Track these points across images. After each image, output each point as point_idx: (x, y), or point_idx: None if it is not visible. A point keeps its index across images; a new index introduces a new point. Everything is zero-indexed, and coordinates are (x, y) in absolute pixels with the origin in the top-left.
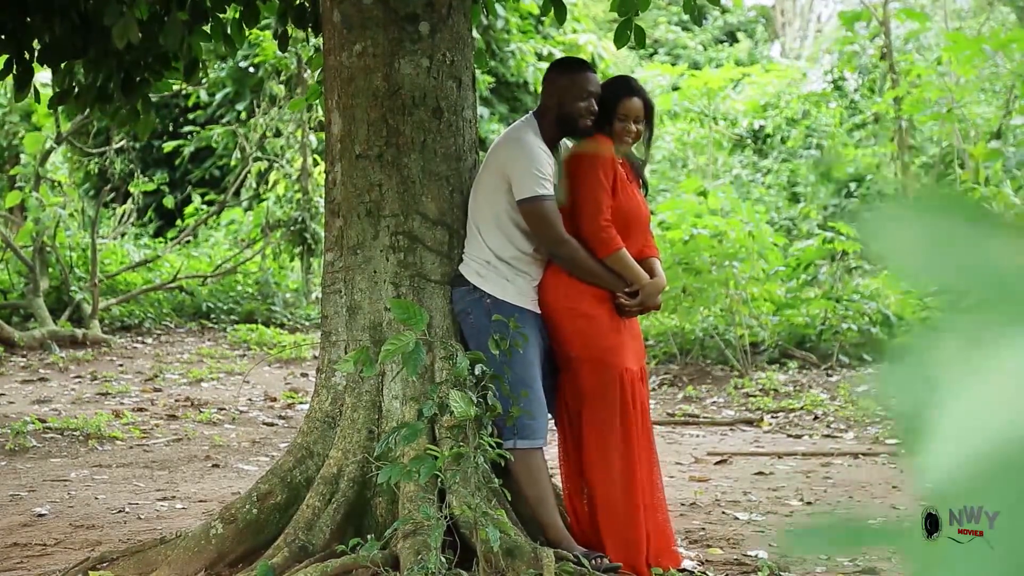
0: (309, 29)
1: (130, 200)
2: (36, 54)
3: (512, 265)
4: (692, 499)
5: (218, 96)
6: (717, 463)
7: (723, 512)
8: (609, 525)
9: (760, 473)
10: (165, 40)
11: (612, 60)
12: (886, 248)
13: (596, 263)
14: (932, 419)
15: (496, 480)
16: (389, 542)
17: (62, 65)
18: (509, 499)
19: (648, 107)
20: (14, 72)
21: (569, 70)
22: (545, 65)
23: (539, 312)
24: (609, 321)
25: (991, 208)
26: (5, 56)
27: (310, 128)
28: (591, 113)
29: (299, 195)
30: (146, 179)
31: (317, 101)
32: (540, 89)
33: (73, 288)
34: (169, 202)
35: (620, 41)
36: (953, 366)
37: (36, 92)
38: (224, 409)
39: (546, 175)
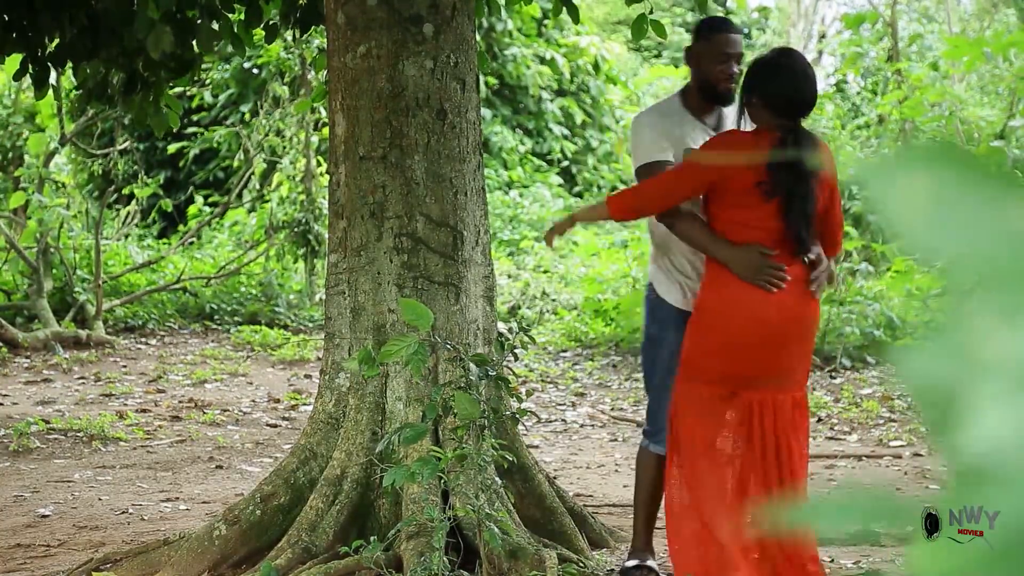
0: (313, 30)
1: (134, 201)
2: (47, 54)
3: (659, 247)
4: None
5: (222, 97)
6: None
7: None
8: None
9: None
10: (153, 47)
11: (615, 62)
12: (893, 208)
13: (704, 233)
14: (968, 397)
15: (499, 481)
16: (392, 543)
17: (82, 64)
18: (512, 500)
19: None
20: (31, 72)
21: (707, 31)
22: (546, 68)
23: (684, 309)
24: None
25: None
26: (19, 56)
27: (313, 129)
28: (729, 77)
29: (303, 197)
30: (147, 181)
31: (322, 102)
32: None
33: (77, 289)
34: (167, 205)
35: (637, 35)
36: (988, 342)
37: (56, 91)
38: (228, 410)
39: (645, 144)
